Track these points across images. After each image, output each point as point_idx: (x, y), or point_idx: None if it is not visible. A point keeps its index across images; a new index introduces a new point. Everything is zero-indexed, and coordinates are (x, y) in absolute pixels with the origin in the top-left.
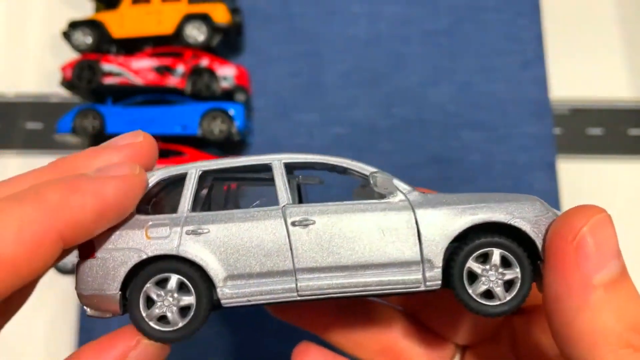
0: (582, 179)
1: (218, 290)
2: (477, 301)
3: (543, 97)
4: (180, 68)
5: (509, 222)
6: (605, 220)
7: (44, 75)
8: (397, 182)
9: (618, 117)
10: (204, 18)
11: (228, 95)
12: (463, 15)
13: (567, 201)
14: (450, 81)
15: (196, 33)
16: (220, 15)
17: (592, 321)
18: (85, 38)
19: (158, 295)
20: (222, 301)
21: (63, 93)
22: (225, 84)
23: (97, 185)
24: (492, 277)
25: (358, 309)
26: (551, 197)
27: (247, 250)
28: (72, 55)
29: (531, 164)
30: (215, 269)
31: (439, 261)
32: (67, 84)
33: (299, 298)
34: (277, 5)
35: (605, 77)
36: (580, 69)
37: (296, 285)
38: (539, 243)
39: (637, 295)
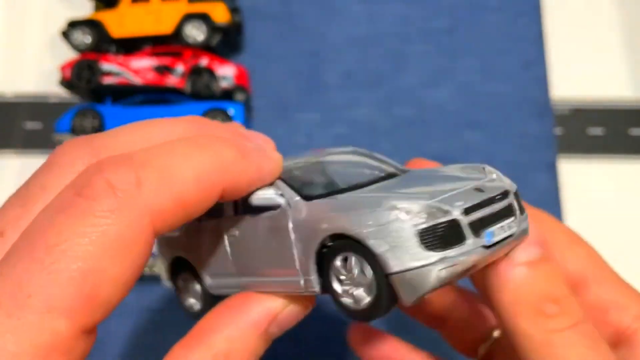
0: (583, 178)
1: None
2: (344, 305)
3: (544, 97)
4: (180, 68)
5: (349, 234)
6: (529, 215)
7: (42, 74)
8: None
9: (619, 117)
10: (204, 17)
11: (228, 95)
12: (463, 15)
13: (568, 201)
14: (450, 81)
15: (196, 32)
16: (220, 14)
17: (513, 295)
18: (85, 38)
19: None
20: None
21: (62, 93)
22: (225, 84)
23: (260, 158)
24: (351, 281)
25: None
26: (552, 197)
27: None
28: (71, 55)
29: (532, 164)
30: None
31: (312, 269)
32: (66, 83)
33: None
34: (277, 5)
35: (607, 76)
36: (581, 68)
37: None
38: (377, 251)
39: (555, 276)
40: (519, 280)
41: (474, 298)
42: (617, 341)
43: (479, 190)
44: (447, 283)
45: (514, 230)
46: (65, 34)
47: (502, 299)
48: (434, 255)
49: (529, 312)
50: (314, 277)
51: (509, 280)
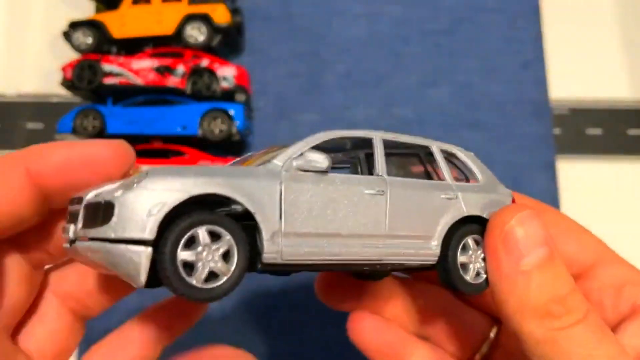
0: (581, 179)
1: None
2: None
3: (542, 98)
4: (181, 68)
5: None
6: (529, 215)
7: (44, 75)
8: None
9: (617, 118)
10: (204, 18)
11: (228, 96)
12: (463, 16)
13: (567, 201)
14: (449, 81)
15: (196, 33)
16: (221, 15)
17: (521, 299)
18: (86, 38)
19: None
20: None
21: (64, 93)
22: (225, 84)
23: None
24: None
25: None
26: (550, 196)
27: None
28: (72, 56)
29: (531, 164)
30: None
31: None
32: (67, 84)
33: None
34: (278, 6)
35: (605, 77)
36: (580, 69)
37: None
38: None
39: (562, 275)
40: (526, 287)
41: (461, 304)
42: (632, 314)
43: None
44: None
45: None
46: (66, 35)
47: (508, 303)
48: None
49: (535, 315)
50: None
51: (515, 286)
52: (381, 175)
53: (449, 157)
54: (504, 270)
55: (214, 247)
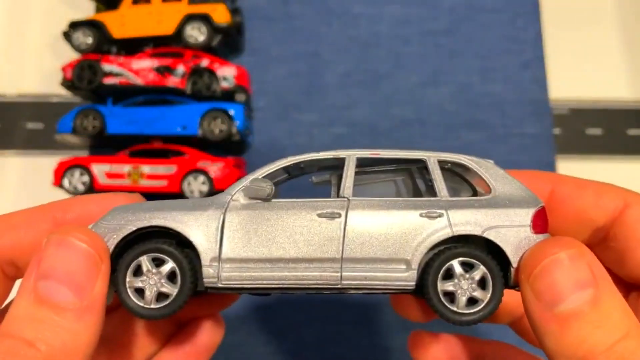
0: None
1: None
2: (146, 308)
3: (542, 98)
4: (181, 68)
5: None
6: (573, 255)
7: (44, 75)
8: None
9: (617, 117)
10: (204, 18)
11: (228, 96)
12: (462, 16)
13: None
14: (449, 81)
15: (196, 33)
16: (221, 15)
17: (555, 345)
18: (86, 38)
19: None
20: None
21: (64, 93)
22: (225, 84)
23: None
24: (151, 281)
25: None
26: None
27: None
28: (72, 56)
29: (530, 164)
30: None
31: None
32: (67, 84)
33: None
34: (278, 6)
35: (605, 77)
36: (580, 69)
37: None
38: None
39: (600, 324)
40: (562, 336)
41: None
42: None
43: None
44: None
45: None
46: (67, 35)
47: (544, 345)
48: None
49: None
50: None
51: (550, 334)
52: (344, 197)
53: (454, 169)
54: (538, 313)
55: (157, 271)
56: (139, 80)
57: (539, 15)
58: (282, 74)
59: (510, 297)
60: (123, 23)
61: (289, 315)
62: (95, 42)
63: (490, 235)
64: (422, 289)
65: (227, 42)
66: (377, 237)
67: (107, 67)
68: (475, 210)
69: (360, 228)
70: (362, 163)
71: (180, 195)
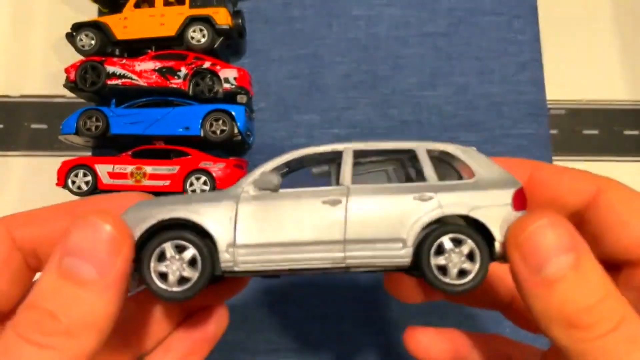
0: None
1: None
2: (169, 290)
3: (539, 98)
4: (183, 70)
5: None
6: (551, 222)
7: (48, 77)
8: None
9: (614, 118)
10: (207, 21)
11: (230, 97)
12: (460, 18)
13: None
14: (447, 83)
15: (198, 36)
16: (222, 18)
17: (545, 310)
18: (89, 40)
19: None
20: None
21: (67, 94)
22: (227, 86)
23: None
24: (173, 266)
25: None
26: None
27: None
28: (76, 57)
29: None
30: None
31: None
32: (71, 85)
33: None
34: (278, 9)
35: (602, 78)
36: (577, 70)
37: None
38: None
39: (591, 282)
40: (548, 298)
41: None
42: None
43: None
44: None
45: None
46: (70, 36)
47: (533, 311)
48: None
49: (561, 326)
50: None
51: (537, 298)
52: (344, 185)
53: (442, 156)
54: (523, 282)
55: (179, 257)
56: (142, 82)
57: (536, 18)
58: (282, 76)
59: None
60: (126, 25)
61: (292, 313)
62: (99, 44)
63: (476, 215)
64: (417, 265)
65: (229, 44)
66: (375, 219)
67: (110, 68)
68: (462, 192)
69: (360, 212)
70: (358, 155)
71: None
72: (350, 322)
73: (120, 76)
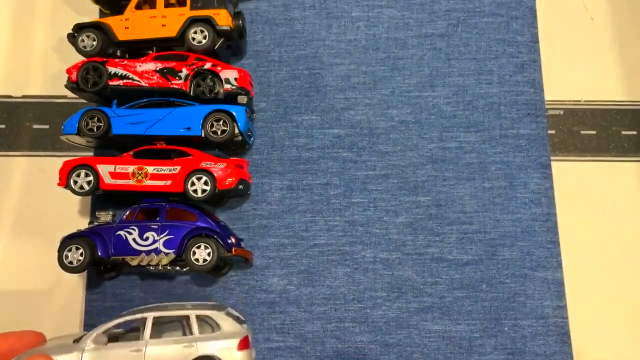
0: (576, 179)
1: None
2: None
3: (537, 99)
4: (184, 71)
5: None
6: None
7: (50, 77)
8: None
9: (611, 118)
10: (207, 22)
11: (231, 98)
12: (459, 20)
13: (561, 201)
14: (446, 84)
15: (199, 37)
16: (223, 19)
17: None
18: (91, 41)
19: None
20: None
21: (69, 95)
22: (228, 87)
23: None
24: None
25: None
26: (545, 196)
27: None
28: (78, 58)
29: (526, 165)
30: None
31: None
32: (72, 86)
33: None
34: (279, 10)
35: (599, 79)
36: (575, 71)
37: None
38: None
39: None
40: None
41: None
42: None
43: None
44: None
45: None
46: (72, 37)
47: None
48: None
49: None
50: None
51: None
52: (144, 340)
53: (205, 318)
54: None
55: None
56: (143, 83)
57: (535, 19)
58: (283, 76)
59: None
60: (127, 26)
61: (291, 313)
62: (100, 44)
63: (217, 353)
64: None
65: (230, 45)
66: (161, 358)
67: (112, 69)
68: (211, 341)
69: (152, 356)
70: (157, 318)
71: (183, 195)
72: (350, 322)
73: (122, 77)
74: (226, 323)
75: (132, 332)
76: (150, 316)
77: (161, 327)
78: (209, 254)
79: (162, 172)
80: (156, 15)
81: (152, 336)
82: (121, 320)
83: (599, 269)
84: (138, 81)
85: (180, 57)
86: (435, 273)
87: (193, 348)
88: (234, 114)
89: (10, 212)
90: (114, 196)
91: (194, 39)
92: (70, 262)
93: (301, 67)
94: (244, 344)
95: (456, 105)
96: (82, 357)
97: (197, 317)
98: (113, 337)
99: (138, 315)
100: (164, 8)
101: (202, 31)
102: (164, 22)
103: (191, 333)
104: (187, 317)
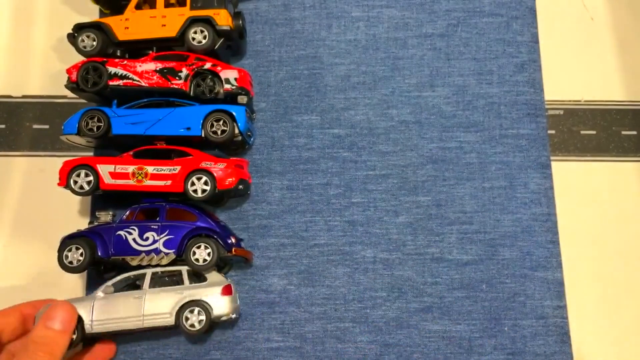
0: (575, 179)
1: None
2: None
3: (537, 99)
4: (184, 71)
5: None
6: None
7: (50, 77)
8: None
9: (611, 118)
10: (207, 22)
11: (231, 98)
12: (459, 19)
13: (562, 201)
14: (446, 84)
15: (199, 37)
16: (223, 19)
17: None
18: (91, 41)
19: None
20: None
21: (69, 95)
22: (227, 87)
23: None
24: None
25: None
26: (545, 197)
27: None
28: (78, 58)
29: (526, 165)
30: None
31: None
32: (72, 86)
33: None
34: (278, 10)
35: (599, 79)
36: (575, 71)
37: None
38: None
39: None
40: None
41: None
42: None
43: None
44: None
45: None
46: (72, 37)
47: None
48: None
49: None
50: None
51: None
52: (144, 289)
53: (195, 273)
54: None
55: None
56: (143, 83)
57: (535, 19)
58: (282, 76)
59: None
60: (127, 26)
61: (291, 313)
62: (100, 44)
63: (204, 298)
64: (177, 324)
65: (230, 45)
66: (157, 305)
67: (112, 69)
68: (198, 289)
69: (150, 302)
70: (155, 274)
71: (183, 195)
72: (350, 322)
73: (122, 77)
74: (212, 275)
75: (134, 285)
76: (149, 272)
77: (158, 280)
78: (209, 254)
79: (162, 172)
80: (156, 15)
81: (150, 287)
82: (125, 275)
83: (599, 269)
84: (138, 81)
85: (180, 57)
86: (435, 273)
87: (184, 294)
88: (234, 114)
89: (10, 212)
90: (114, 196)
91: (194, 39)
92: (70, 262)
93: (301, 67)
94: (227, 290)
95: (456, 105)
96: (94, 303)
97: (188, 271)
98: (119, 289)
99: (139, 271)
100: (164, 8)
101: (202, 31)
102: (164, 22)
103: (182, 284)
104: (180, 272)
